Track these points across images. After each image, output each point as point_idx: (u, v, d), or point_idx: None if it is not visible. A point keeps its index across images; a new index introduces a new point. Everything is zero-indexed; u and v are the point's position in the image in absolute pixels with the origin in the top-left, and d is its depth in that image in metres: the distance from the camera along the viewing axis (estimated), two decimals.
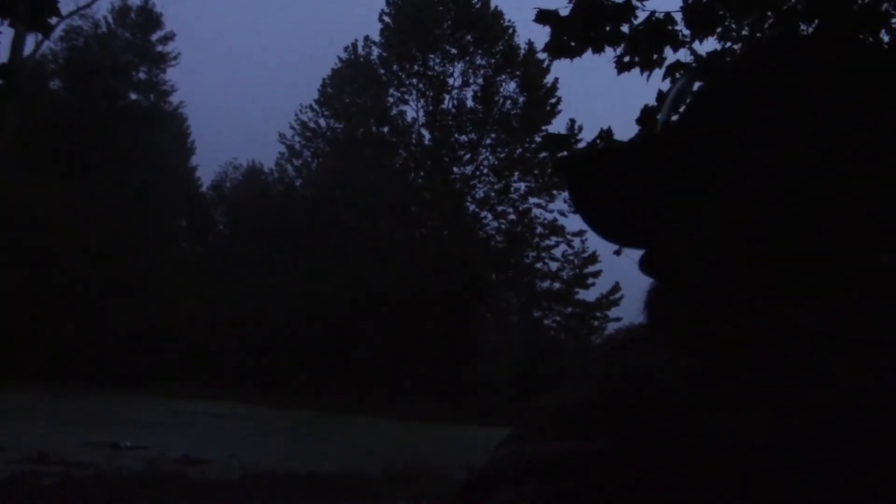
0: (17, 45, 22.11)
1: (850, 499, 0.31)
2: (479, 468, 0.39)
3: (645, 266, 0.58)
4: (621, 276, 35.06)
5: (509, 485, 0.35)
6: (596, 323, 36.13)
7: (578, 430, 0.35)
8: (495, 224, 37.65)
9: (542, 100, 36.54)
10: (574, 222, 41.99)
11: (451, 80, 37.69)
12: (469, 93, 37.65)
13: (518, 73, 36.76)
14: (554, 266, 36.78)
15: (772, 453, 0.31)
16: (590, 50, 4.80)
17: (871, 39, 3.92)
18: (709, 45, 5.36)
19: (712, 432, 0.31)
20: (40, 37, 23.41)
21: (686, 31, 4.61)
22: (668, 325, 0.47)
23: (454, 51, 37.31)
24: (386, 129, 38.50)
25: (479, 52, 37.17)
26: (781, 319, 0.38)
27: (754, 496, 0.30)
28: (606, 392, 0.36)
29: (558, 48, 4.84)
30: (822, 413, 0.32)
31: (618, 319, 34.66)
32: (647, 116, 4.83)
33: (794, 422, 0.31)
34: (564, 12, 4.67)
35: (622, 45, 4.69)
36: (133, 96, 36.13)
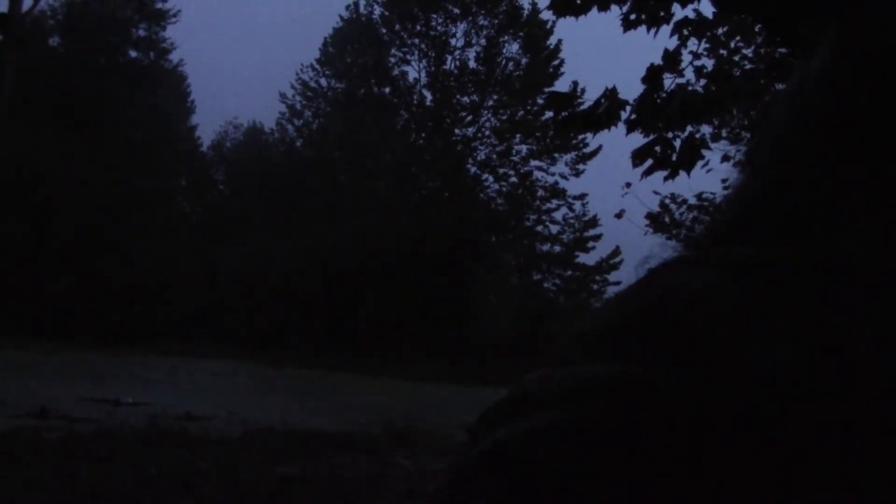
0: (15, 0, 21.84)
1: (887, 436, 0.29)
2: (507, 392, 0.38)
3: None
4: (622, 239, 35.08)
5: (538, 409, 0.34)
6: (595, 286, 36.24)
7: (612, 354, 0.34)
8: (496, 186, 37.62)
9: (544, 62, 36.23)
10: (575, 185, 41.99)
11: (453, 41, 37.38)
12: (471, 53, 37.37)
13: (521, 34, 36.41)
14: (554, 229, 36.81)
15: (809, 385, 0.30)
16: (595, 8, 4.74)
17: None
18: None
19: (748, 359, 0.31)
20: None
21: None
22: (710, 249, 0.42)
23: (457, 10, 36.89)
24: (387, 90, 38.27)
25: (482, 12, 36.76)
26: (831, 246, 0.35)
27: (787, 427, 0.29)
28: (641, 314, 0.35)
29: (563, 5, 4.79)
30: (864, 348, 0.31)
31: (617, 283, 34.74)
32: (652, 75, 4.79)
33: (833, 354, 0.31)
34: None
35: (629, 2, 4.63)
36: (132, 53, 35.82)
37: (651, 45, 5.08)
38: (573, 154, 35.84)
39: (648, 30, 4.67)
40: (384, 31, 37.97)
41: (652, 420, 0.30)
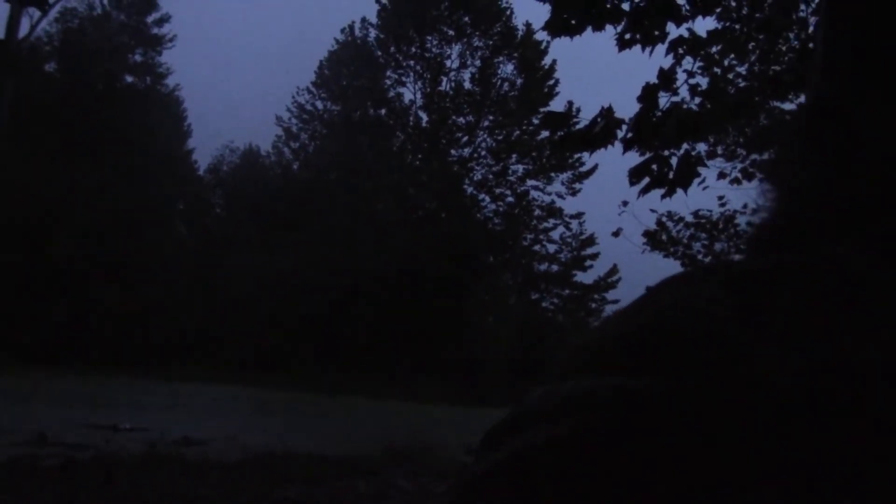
0: (12, 26, 21.99)
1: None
2: (512, 407, 0.37)
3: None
4: (619, 258, 35.13)
5: (543, 423, 0.33)
6: (593, 305, 36.22)
7: (614, 368, 0.34)
8: (493, 206, 37.69)
9: (539, 81, 36.39)
10: (572, 204, 42.06)
11: (448, 62, 37.60)
12: (466, 74, 37.60)
13: (516, 54, 36.60)
14: (552, 248, 36.83)
15: (818, 398, 0.30)
16: (590, 28, 4.77)
17: None
18: (709, 23, 5.34)
19: (750, 369, 0.31)
20: (35, 18, 23.31)
21: (688, 7, 4.58)
22: (710, 264, 0.43)
23: (451, 32, 37.13)
24: (383, 111, 38.39)
25: (477, 33, 37.00)
26: (829, 256, 0.35)
27: (798, 439, 0.29)
28: (643, 328, 0.35)
29: (558, 26, 4.81)
30: (866, 358, 0.31)
31: (615, 301, 34.74)
32: (648, 94, 4.81)
33: (838, 366, 0.30)
34: None
35: (623, 22, 4.65)
36: (129, 79, 36.00)
37: (646, 64, 5.12)
38: (569, 173, 35.95)
39: (643, 49, 4.70)
40: (379, 53, 38.18)
41: (655, 431, 0.30)
